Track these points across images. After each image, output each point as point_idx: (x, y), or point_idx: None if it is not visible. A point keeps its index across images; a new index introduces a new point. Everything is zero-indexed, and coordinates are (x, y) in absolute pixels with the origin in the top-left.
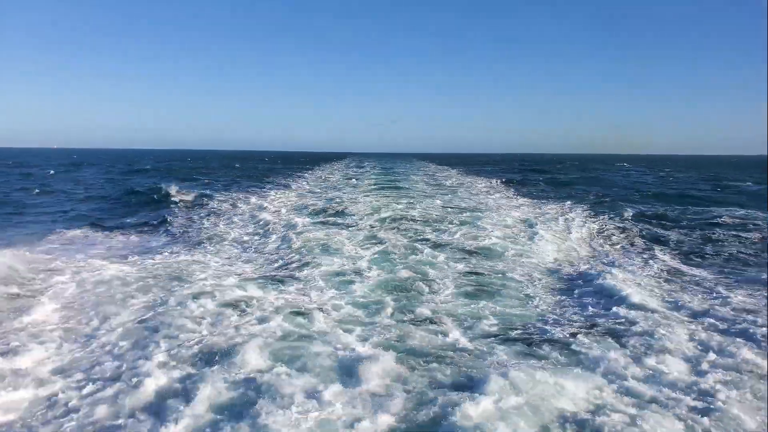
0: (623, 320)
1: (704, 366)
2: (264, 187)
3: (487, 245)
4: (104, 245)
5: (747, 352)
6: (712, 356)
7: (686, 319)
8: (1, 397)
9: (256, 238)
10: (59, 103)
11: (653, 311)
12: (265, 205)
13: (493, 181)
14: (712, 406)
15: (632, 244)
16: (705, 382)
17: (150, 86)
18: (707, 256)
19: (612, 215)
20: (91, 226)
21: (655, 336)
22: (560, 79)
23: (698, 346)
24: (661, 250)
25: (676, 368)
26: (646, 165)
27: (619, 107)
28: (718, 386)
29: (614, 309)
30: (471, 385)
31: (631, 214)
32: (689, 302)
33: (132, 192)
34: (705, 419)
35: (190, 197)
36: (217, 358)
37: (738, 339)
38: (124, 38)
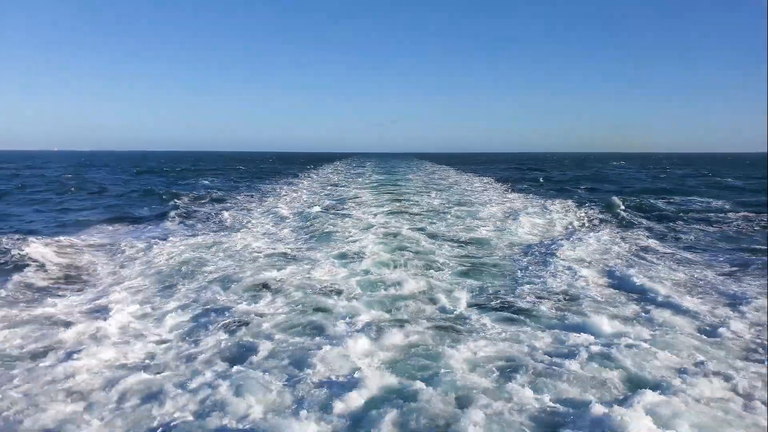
0: (580, 290)
1: (635, 326)
2: (274, 185)
3: (478, 230)
4: (143, 234)
5: (669, 316)
6: (641, 320)
7: (632, 291)
8: (92, 351)
9: (273, 227)
10: (58, 105)
11: (606, 285)
12: (278, 200)
13: (489, 178)
14: (638, 355)
15: (603, 229)
16: (632, 336)
17: (149, 88)
18: (667, 238)
19: (593, 206)
20: (130, 220)
21: (607, 304)
22: (561, 79)
23: (636, 311)
24: (628, 232)
25: (614, 327)
26: (642, 163)
27: (621, 107)
28: (645, 335)
29: (575, 282)
30: (458, 342)
31: (611, 204)
32: (634, 276)
33: (153, 192)
34: (630, 364)
35: (207, 196)
36: (247, 327)
37: (666, 308)
38: (122, 39)
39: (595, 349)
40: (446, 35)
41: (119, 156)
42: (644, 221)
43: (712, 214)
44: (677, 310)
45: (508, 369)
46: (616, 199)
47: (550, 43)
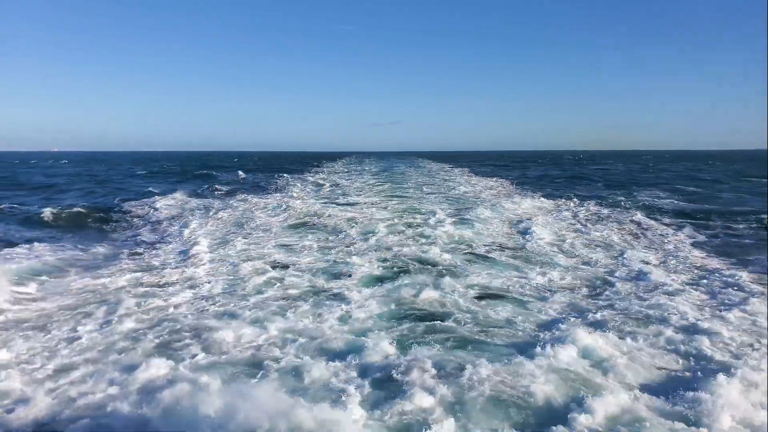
0: (537, 247)
1: (540, 267)
2: (291, 175)
3: (464, 204)
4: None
5: (571, 262)
6: (550, 265)
7: (548, 244)
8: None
9: (301, 201)
10: (55, 105)
11: (550, 244)
12: (298, 185)
13: (480, 172)
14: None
15: (557, 207)
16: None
17: (149, 89)
18: (601, 218)
19: (560, 194)
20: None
21: (551, 258)
22: (559, 77)
23: (549, 257)
24: (575, 207)
25: (563, 277)
26: (633, 160)
27: (624, 107)
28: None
29: (529, 243)
30: (454, 273)
31: (576, 192)
32: (537, 234)
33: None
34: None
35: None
36: (286, 266)
37: (569, 256)
38: (120, 40)
39: (538, 278)
40: (447, 35)
41: (121, 156)
42: (587, 203)
43: (659, 202)
44: (578, 258)
45: (491, 294)
46: (575, 188)
47: (553, 44)
